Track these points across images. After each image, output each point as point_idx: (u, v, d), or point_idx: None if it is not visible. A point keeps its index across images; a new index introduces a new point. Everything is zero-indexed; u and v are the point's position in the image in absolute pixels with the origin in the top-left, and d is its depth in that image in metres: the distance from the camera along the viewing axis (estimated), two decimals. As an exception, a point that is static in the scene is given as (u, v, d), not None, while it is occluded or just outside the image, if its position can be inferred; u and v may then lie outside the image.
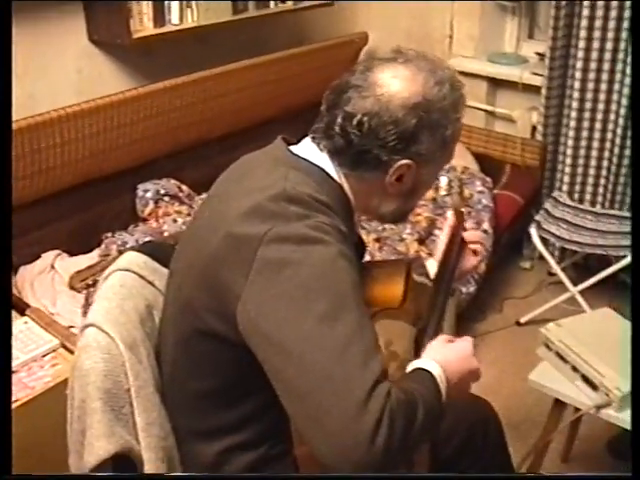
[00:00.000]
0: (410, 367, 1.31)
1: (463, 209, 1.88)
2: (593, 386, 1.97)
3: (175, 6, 2.80)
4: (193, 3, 2.85)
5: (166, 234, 2.75)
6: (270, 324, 1.16)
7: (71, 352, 1.94)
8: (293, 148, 1.39)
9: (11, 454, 1.25)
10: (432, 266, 1.74)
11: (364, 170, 1.35)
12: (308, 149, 1.38)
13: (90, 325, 1.37)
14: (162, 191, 2.91)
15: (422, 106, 1.31)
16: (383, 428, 1.08)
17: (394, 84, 1.31)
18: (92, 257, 2.65)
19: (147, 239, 2.66)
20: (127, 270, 1.49)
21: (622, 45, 3.21)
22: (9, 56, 1.51)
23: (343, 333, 1.13)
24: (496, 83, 3.79)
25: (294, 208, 1.23)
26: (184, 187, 2.99)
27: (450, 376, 1.30)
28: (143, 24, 2.73)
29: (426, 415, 1.17)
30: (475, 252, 1.77)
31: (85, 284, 2.47)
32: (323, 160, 1.36)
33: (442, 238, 1.76)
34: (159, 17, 2.77)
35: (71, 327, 2.21)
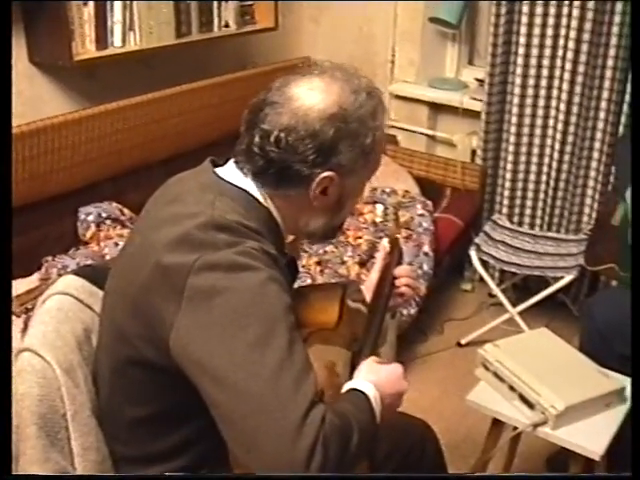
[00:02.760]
0: (345, 387, 1.32)
1: (398, 235, 1.87)
2: (530, 405, 2.00)
3: (118, 29, 2.80)
4: (136, 26, 2.86)
5: (107, 257, 2.73)
6: (203, 352, 1.17)
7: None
8: (220, 171, 1.39)
9: (11, 454, 1.24)
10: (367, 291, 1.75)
11: (287, 187, 1.35)
12: (233, 173, 1.38)
13: (25, 350, 1.35)
14: (104, 214, 2.89)
15: (339, 116, 1.30)
16: (317, 454, 1.09)
17: (309, 97, 1.31)
18: (32, 281, 2.61)
19: (88, 263, 2.64)
20: (64, 294, 1.48)
21: (557, 72, 3.30)
22: (9, 56, 1.49)
23: (274, 358, 1.14)
24: (437, 108, 3.85)
25: (222, 236, 1.23)
26: (126, 210, 2.97)
27: (383, 397, 1.31)
28: (85, 46, 2.73)
29: (360, 438, 1.18)
30: (402, 294, 1.71)
31: (24, 308, 2.43)
32: (248, 184, 1.36)
33: (374, 270, 1.74)
34: (102, 40, 2.76)
35: (9, 352, 2.18)
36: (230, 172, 1.39)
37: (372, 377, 1.33)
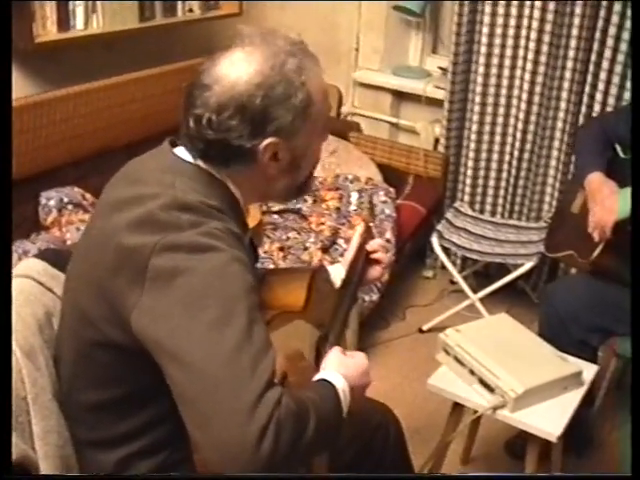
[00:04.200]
0: (315, 378, 1.33)
1: (371, 224, 1.90)
2: (489, 388, 2.04)
3: (80, 11, 2.77)
4: (99, 8, 2.82)
5: (69, 243, 2.71)
6: (163, 332, 1.17)
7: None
8: (178, 151, 1.39)
9: (11, 454, 1.23)
10: (337, 270, 1.77)
11: (236, 163, 1.35)
12: (186, 154, 1.38)
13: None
14: (66, 199, 2.86)
15: (263, 84, 1.29)
16: (269, 436, 1.10)
17: (232, 71, 1.30)
18: (-9, 265, 2.58)
19: (50, 247, 2.61)
20: (26, 276, 1.47)
21: (519, 62, 3.34)
22: (9, 57, 1.46)
23: (232, 339, 1.14)
24: (400, 96, 3.87)
25: (186, 216, 1.24)
26: (88, 195, 2.94)
27: (352, 390, 1.33)
28: (46, 28, 2.69)
29: (318, 427, 1.19)
30: (378, 261, 1.78)
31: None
32: (201, 162, 1.36)
33: (352, 246, 1.77)
34: (63, 21, 2.73)
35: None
36: (185, 152, 1.39)
37: (342, 370, 1.35)
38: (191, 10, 3.25)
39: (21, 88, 2.80)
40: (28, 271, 1.48)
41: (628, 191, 2.19)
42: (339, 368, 1.35)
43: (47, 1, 2.64)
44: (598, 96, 3.13)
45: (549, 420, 2.00)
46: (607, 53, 3.05)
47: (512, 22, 3.29)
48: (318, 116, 1.39)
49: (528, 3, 3.23)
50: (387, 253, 1.81)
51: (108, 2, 2.83)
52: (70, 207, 2.86)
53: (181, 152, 1.38)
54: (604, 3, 3.03)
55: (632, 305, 1.61)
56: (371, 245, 1.78)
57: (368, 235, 1.80)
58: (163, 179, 1.31)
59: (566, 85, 3.24)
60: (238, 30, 1.38)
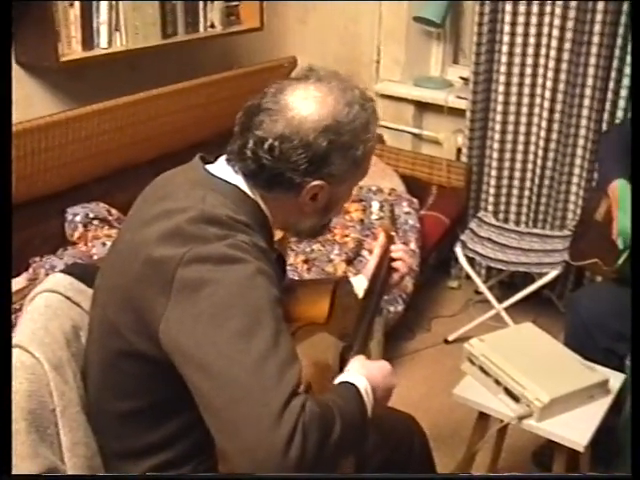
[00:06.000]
0: (337, 380, 1.34)
1: (393, 233, 1.91)
2: (515, 398, 2.03)
3: (104, 30, 2.81)
4: (122, 26, 2.86)
5: (95, 258, 2.74)
6: (190, 342, 1.19)
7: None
8: (210, 167, 1.41)
9: (11, 454, 1.25)
10: (360, 281, 1.78)
11: (278, 191, 1.38)
12: (224, 170, 1.40)
13: (14, 346, 1.37)
14: (91, 215, 2.89)
15: (332, 128, 1.33)
16: (296, 441, 1.11)
17: (305, 107, 1.33)
18: (19, 281, 2.62)
19: (76, 262, 2.65)
20: (53, 291, 1.49)
21: (541, 71, 3.34)
22: (9, 57, 1.50)
23: (258, 348, 1.16)
24: (422, 106, 3.88)
25: (213, 229, 1.26)
26: (113, 211, 2.98)
27: (374, 390, 1.34)
28: (71, 47, 2.73)
29: (344, 428, 1.20)
30: (396, 269, 1.80)
31: (13, 308, 2.44)
32: (238, 180, 1.38)
33: (373, 256, 1.79)
34: (88, 40, 2.77)
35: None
36: (221, 168, 1.41)
37: (363, 371, 1.36)
38: (213, 25, 3.28)
39: (47, 106, 2.85)
40: (55, 286, 1.50)
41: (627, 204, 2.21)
42: (360, 370, 1.37)
43: (72, 22, 2.69)
44: (621, 102, 3.12)
45: (576, 429, 1.99)
46: (629, 59, 3.04)
47: (532, 31, 3.29)
48: (366, 170, 1.45)
49: (548, 11, 3.22)
50: (406, 261, 1.80)
51: (131, 20, 2.86)
52: (96, 222, 2.89)
53: (213, 169, 1.41)
54: (624, 8, 3.02)
55: (632, 306, 1.61)
56: (394, 250, 1.79)
57: (389, 246, 1.81)
58: (193, 194, 1.34)
59: (588, 92, 3.23)
60: (311, 67, 1.41)
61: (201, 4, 3.19)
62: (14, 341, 1.38)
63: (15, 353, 1.36)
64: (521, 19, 3.29)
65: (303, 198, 1.39)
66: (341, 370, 1.48)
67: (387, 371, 1.42)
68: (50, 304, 1.47)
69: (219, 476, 1.21)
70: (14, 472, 1.25)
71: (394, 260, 1.79)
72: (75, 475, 1.41)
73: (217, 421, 1.16)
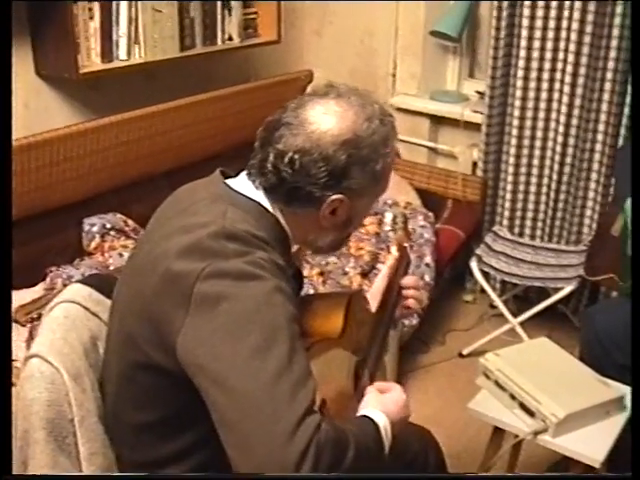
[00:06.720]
0: (357, 415, 1.35)
1: (407, 244, 1.91)
2: (530, 413, 2.02)
3: (123, 42, 2.84)
4: (141, 39, 2.89)
5: (112, 268, 2.75)
6: (207, 356, 1.20)
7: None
8: (231, 182, 1.42)
9: (11, 454, 1.26)
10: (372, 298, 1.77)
11: (298, 206, 1.39)
12: (245, 184, 1.41)
13: (34, 356, 1.38)
14: (108, 225, 2.91)
15: (352, 142, 1.34)
16: (308, 460, 1.11)
17: (325, 121, 1.34)
18: (37, 291, 2.63)
19: (93, 272, 2.66)
20: (71, 302, 1.50)
21: (557, 85, 3.34)
22: (9, 60, 1.51)
23: (274, 365, 1.17)
24: (438, 120, 3.88)
25: (232, 245, 1.26)
26: (130, 221, 3.00)
27: (393, 426, 1.35)
28: (91, 59, 2.76)
29: (357, 458, 1.20)
30: (408, 307, 1.77)
31: (29, 318, 2.45)
32: (259, 196, 1.39)
33: (380, 277, 1.79)
34: (107, 52, 2.80)
35: (14, 361, 2.20)
36: (241, 183, 1.42)
37: (381, 407, 1.37)
38: (230, 38, 3.30)
39: (66, 117, 2.88)
40: (74, 296, 1.51)
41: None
42: (378, 406, 1.37)
43: (92, 34, 2.72)
44: (638, 118, 3.11)
45: (592, 445, 1.98)
46: (646, 75, 3.04)
47: (549, 45, 3.29)
48: (384, 186, 1.46)
49: (565, 26, 3.23)
50: (419, 299, 1.79)
51: (150, 33, 2.89)
52: (112, 233, 2.91)
53: (234, 183, 1.42)
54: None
55: (632, 311, 1.60)
56: (405, 282, 1.77)
57: (403, 259, 1.80)
58: (214, 208, 1.34)
59: (605, 107, 3.22)
60: (330, 82, 1.42)
61: (219, 17, 3.22)
62: (33, 351, 1.39)
63: (34, 363, 1.37)
64: (537, 34, 3.29)
65: (323, 212, 1.39)
66: (355, 385, 1.49)
67: (402, 402, 1.43)
68: (69, 315, 1.47)
69: (219, 476, 1.21)
70: None
71: (403, 288, 1.76)
72: (74, 475, 1.41)
73: (230, 436, 1.17)
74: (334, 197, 1.37)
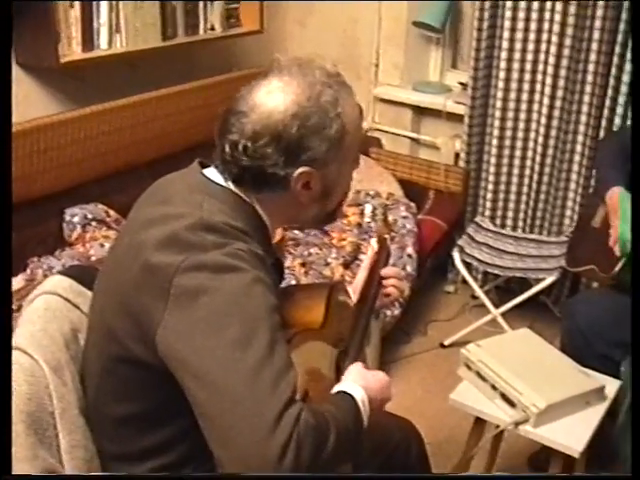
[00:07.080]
0: (334, 390, 1.35)
1: (387, 236, 1.90)
2: (511, 403, 2.03)
3: (104, 31, 2.82)
4: (123, 28, 2.87)
5: (93, 259, 2.74)
6: (187, 350, 1.19)
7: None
8: (208, 172, 1.41)
9: (11, 454, 1.25)
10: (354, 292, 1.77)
11: (268, 190, 1.37)
12: (217, 175, 1.40)
13: (14, 348, 1.37)
14: (89, 216, 2.90)
15: (299, 114, 1.31)
16: (290, 452, 1.11)
17: (269, 100, 1.32)
18: (17, 281, 2.61)
19: (74, 263, 2.65)
20: (52, 293, 1.49)
21: (539, 77, 3.35)
22: (9, 59, 1.50)
23: (254, 358, 1.16)
24: (421, 111, 3.88)
25: (211, 237, 1.26)
26: (112, 212, 2.98)
27: (371, 401, 1.35)
28: (71, 48, 2.74)
29: (339, 439, 1.21)
30: (388, 294, 1.76)
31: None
32: (230, 186, 1.38)
33: (362, 269, 1.78)
34: (88, 41, 2.78)
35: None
36: (217, 174, 1.41)
37: (361, 381, 1.36)
38: (213, 28, 3.29)
39: (47, 107, 2.85)
40: (55, 288, 1.50)
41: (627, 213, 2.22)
42: (358, 380, 1.37)
43: (72, 22, 2.69)
44: (619, 109, 3.13)
45: (572, 435, 1.99)
46: (627, 66, 3.05)
47: (532, 37, 3.30)
48: (351, 146, 1.41)
49: (547, 17, 3.23)
50: (400, 288, 1.78)
51: (131, 21, 2.87)
52: (94, 224, 2.89)
53: (211, 173, 1.41)
54: (623, 17, 3.03)
55: (632, 308, 1.61)
56: (385, 272, 1.76)
57: (383, 250, 1.80)
58: (191, 199, 1.34)
59: (586, 99, 3.24)
60: (275, 59, 1.40)
61: (201, 6, 3.20)
62: (13, 343, 1.38)
63: (14, 355, 1.36)
64: (520, 25, 3.30)
65: (294, 189, 1.37)
66: (337, 376, 1.49)
67: (385, 383, 1.43)
68: (49, 306, 1.46)
69: (219, 476, 1.21)
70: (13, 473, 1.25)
71: (383, 279, 1.76)
72: (73, 475, 1.41)
73: (212, 429, 1.17)
74: (299, 171, 1.35)
